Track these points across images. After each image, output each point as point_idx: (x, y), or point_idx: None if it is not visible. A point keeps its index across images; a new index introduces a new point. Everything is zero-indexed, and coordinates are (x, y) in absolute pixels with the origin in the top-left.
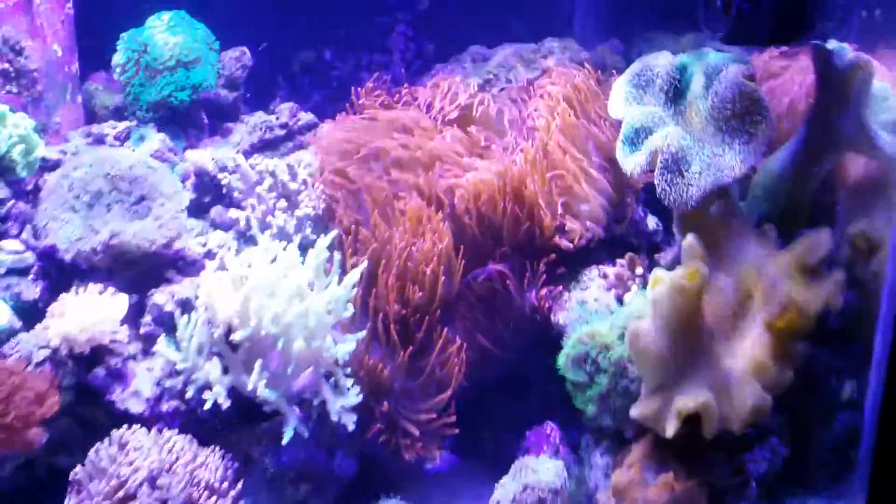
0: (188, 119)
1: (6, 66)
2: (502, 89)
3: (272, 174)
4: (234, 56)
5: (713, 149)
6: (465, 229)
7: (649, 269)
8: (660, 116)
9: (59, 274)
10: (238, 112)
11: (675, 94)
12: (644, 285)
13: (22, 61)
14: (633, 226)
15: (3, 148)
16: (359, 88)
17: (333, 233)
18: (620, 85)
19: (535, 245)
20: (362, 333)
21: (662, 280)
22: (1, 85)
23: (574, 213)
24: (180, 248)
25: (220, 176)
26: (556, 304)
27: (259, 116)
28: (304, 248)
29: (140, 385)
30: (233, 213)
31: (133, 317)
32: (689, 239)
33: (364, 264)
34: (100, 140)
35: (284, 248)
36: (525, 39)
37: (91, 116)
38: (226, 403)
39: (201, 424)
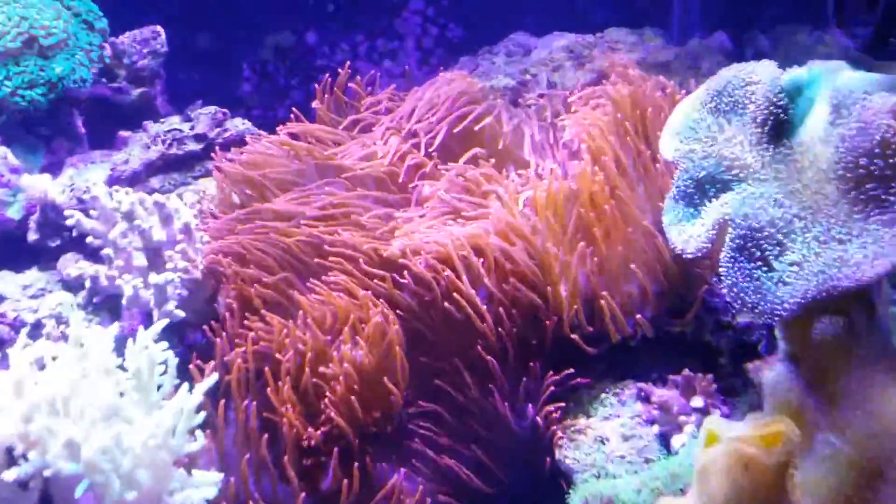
0: (53, 125)
1: None
2: (541, 96)
3: (127, 216)
4: (142, 38)
5: (831, 228)
6: (430, 310)
7: (725, 392)
8: (743, 163)
9: None
10: (150, 114)
11: (779, 130)
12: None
13: None
14: (712, 317)
15: None
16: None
17: (162, 321)
18: (686, 107)
19: (542, 337)
20: (218, 476)
21: (719, 439)
22: None
23: (606, 294)
24: None
25: (67, 213)
26: (566, 431)
27: (168, 123)
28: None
29: None
30: (74, 269)
31: None
32: (778, 371)
33: (213, 378)
34: None
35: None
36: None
37: None
38: None
39: None
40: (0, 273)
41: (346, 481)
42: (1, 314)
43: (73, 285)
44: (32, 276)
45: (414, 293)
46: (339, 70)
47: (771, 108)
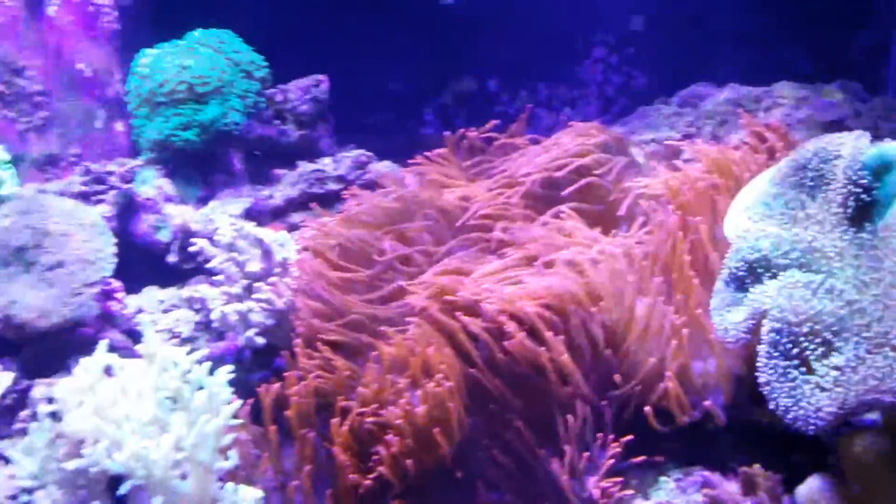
0: (211, 162)
1: (1, 88)
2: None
3: (229, 247)
4: (304, 85)
5: (892, 329)
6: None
7: None
8: (809, 247)
9: None
10: (311, 155)
11: (861, 211)
12: None
13: (20, 83)
14: None
15: None
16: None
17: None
18: (764, 181)
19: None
20: (259, 493)
21: None
22: None
23: (680, 371)
24: (91, 329)
25: (194, 240)
26: None
27: (318, 164)
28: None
29: None
30: (187, 291)
31: (18, 407)
32: (813, 486)
33: (236, 405)
34: (100, 180)
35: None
36: (814, 80)
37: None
38: None
39: None
40: (148, 288)
41: None
42: (136, 323)
43: (196, 305)
44: (170, 293)
45: (487, 346)
46: (519, 115)
47: (850, 186)
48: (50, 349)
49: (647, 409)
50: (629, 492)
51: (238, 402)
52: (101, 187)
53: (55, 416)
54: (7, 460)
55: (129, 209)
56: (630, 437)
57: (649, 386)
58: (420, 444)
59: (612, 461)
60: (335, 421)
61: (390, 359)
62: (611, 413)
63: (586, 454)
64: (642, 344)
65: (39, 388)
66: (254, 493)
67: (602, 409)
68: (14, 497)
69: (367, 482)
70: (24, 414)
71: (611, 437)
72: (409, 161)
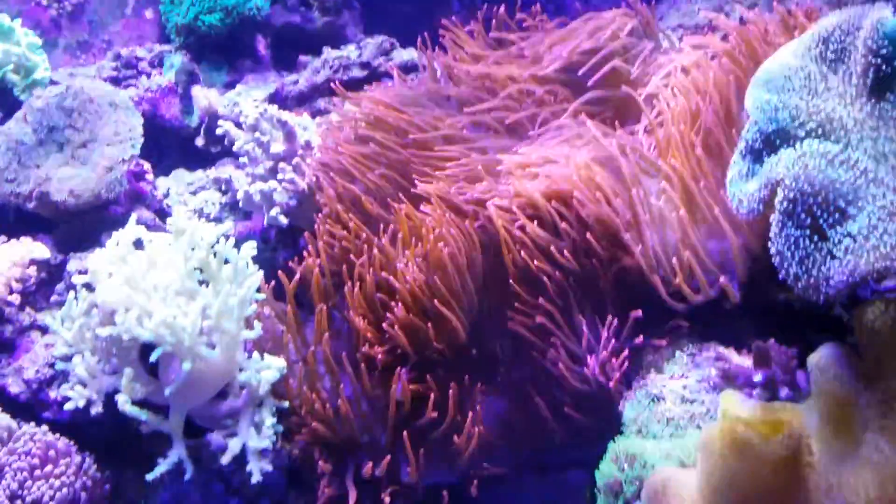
0: (237, 48)
1: None
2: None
3: (253, 128)
4: None
5: None
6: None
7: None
8: (826, 117)
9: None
10: (336, 42)
11: (881, 83)
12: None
13: None
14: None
15: None
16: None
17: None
18: (786, 54)
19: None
20: (282, 362)
21: (725, 416)
22: None
23: (693, 252)
24: (122, 207)
25: (220, 123)
26: (633, 384)
27: (343, 51)
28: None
29: (27, 362)
30: (213, 172)
31: (54, 281)
32: (825, 354)
33: (257, 276)
34: (130, 65)
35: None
36: None
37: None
38: (96, 409)
39: (98, 425)
40: (176, 171)
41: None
42: (166, 203)
43: (222, 186)
44: (198, 175)
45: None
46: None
47: (870, 57)
48: (83, 226)
49: (659, 285)
50: (644, 370)
51: (260, 275)
52: (131, 72)
53: (89, 287)
54: (45, 330)
55: (158, 93)
56: (643, 314)
57: (662, 264)
58: (426, 313)
59: (621, 339)
60: (348, 287)
61: (403, 228)
62: (621, 293)
63: (595, 334)
64: (653, 224)
65: (74, 262)
66: (278, 361)
67: (613, 289)
68: (51, 364)
69: (380, 352)
70: (59, 287)
71: (632, 314)
72: (434, 35)
